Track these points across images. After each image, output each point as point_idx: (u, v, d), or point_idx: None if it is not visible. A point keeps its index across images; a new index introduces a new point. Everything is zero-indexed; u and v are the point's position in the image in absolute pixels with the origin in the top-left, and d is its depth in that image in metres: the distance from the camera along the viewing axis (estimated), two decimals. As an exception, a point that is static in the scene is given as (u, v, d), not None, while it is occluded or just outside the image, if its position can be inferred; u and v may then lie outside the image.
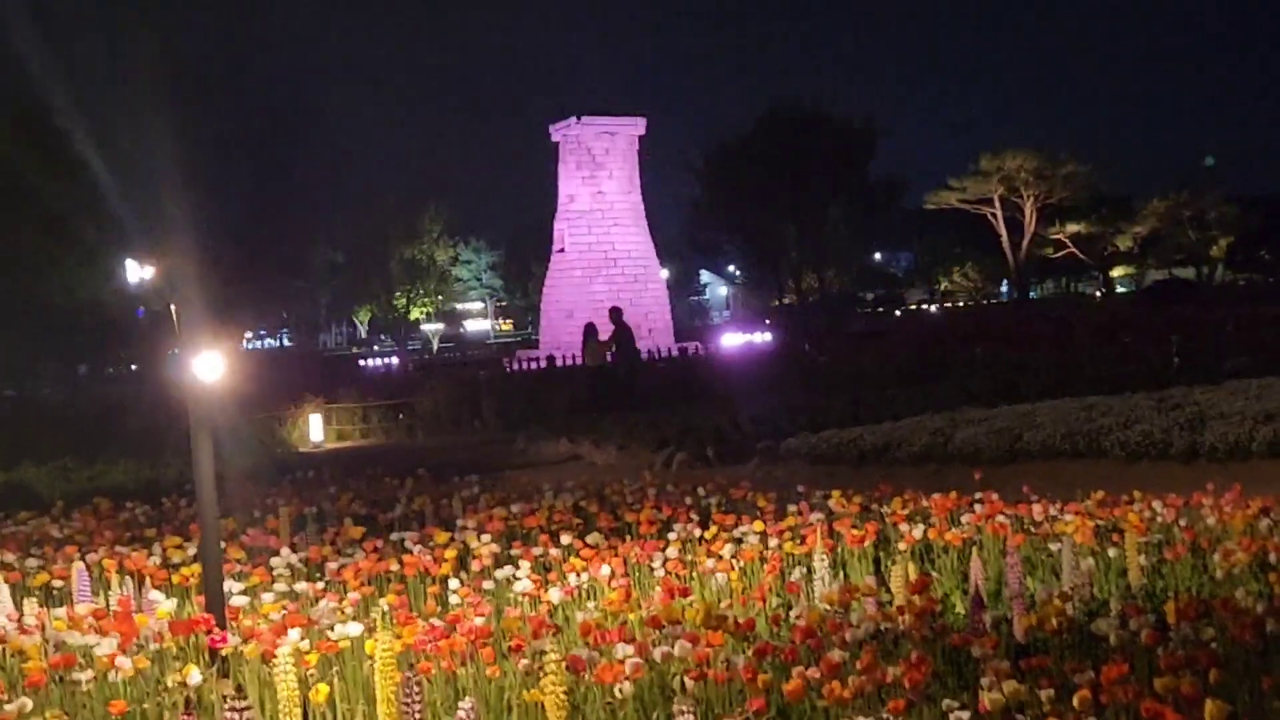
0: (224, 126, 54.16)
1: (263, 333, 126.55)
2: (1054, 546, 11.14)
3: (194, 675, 7.81)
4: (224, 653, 8.10)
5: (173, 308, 10.05)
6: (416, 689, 6.28)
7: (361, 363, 69.26)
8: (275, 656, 7.07)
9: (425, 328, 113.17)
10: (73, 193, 32.82)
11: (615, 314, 36.02)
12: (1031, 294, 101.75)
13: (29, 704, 7.39)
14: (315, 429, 32.49)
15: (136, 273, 11.79)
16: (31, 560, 12.49)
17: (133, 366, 53.57)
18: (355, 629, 8.44)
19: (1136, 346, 33.66)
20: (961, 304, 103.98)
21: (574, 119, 49.62)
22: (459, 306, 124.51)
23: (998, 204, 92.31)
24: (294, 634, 8.30)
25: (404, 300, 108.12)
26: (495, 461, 24.04)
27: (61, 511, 16.86)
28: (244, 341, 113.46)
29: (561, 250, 49.86)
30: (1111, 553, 10.73)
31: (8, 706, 7.38)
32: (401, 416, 34.56)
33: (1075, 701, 6.28)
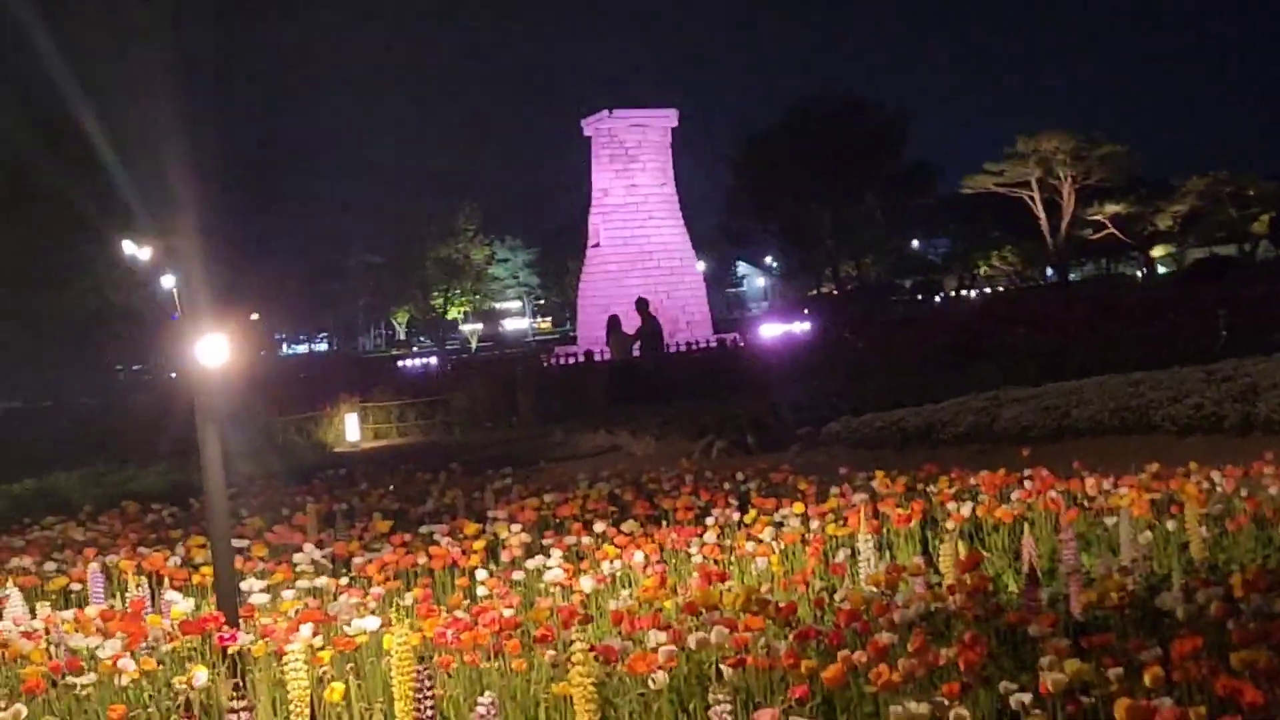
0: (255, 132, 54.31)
1: (301, 337, 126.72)
2: (1109, 521, 10.67)
3: (199, 676, 7.41)
4: (231, 651, 7.68)
5: (174, 290, 9.74)
6: (429, 682, 5.85)
7: (400, 364, 68.83)
8: (285, 654, 6.66)
9: (463, 328, 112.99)
10: (101, 194, 32.61)
11: (641, 305, 35.53)
12: (1072, 276, 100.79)
13: (24, 711, 7.00)
14: (351, 428, 32.10)
15: (133, 251, 11.52)
16: (50, 564, 12.15)
17: (172, 375, 53.40)
18: (372, 623, 8.02)
19: (1182, 323, 33.00)
20: (1001, 289, 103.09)
21: (606, 112, 49.07)
22: (497, 306, 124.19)
23: (1035, 186, 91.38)
24: (306, 630, 7.88)
25: (441, 300, 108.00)
26: (532, 455, 23.62)
27: (89, 515, 16.53)
28: (281, 346, 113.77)
29: (596, 245, 49.36)
30: (1169, 525, 10.25)
31: (1, 715, 6.97)
32: (438, 414, 34.13)
33: (1147, 679, 5.81)
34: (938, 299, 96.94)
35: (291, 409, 32.30)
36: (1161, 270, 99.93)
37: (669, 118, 49.73)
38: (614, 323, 36.35)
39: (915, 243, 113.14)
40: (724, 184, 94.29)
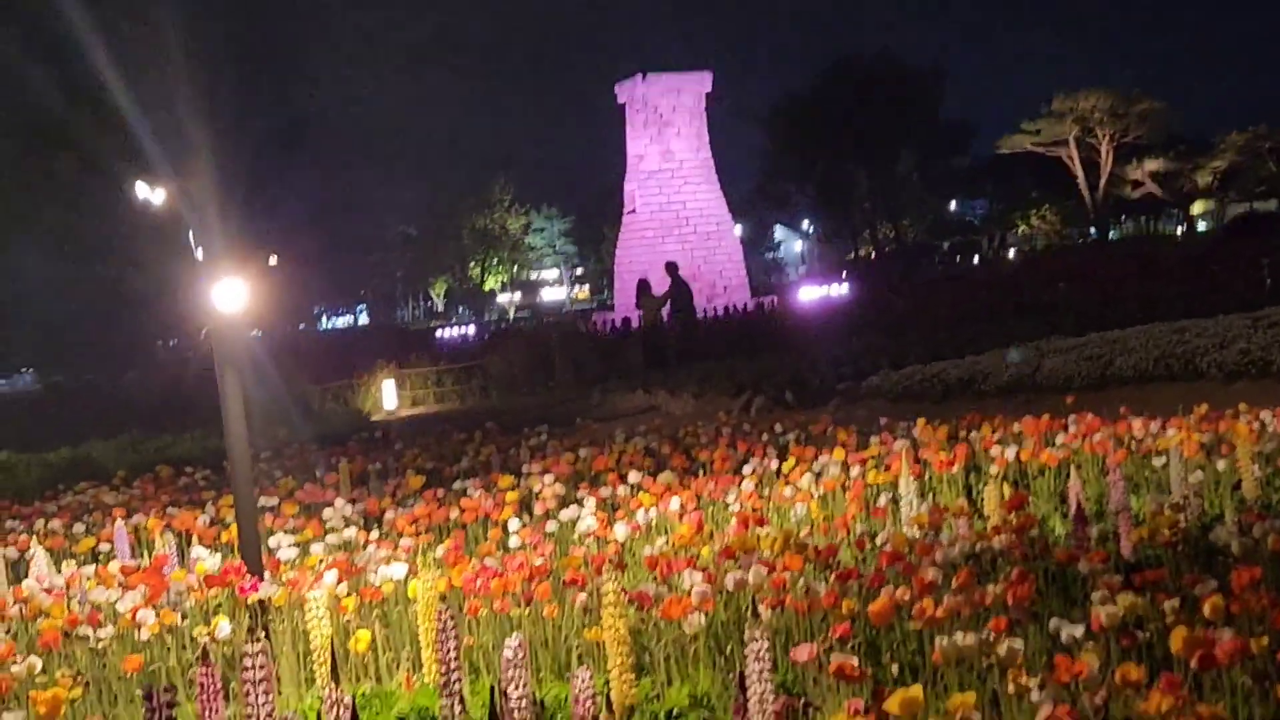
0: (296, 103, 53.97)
1: (341, 309, 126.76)
2: (1157, 463, 10.39)
3: (223, 627, 7.21)
4: (252, 600, 7.47)
5: (190, 234, 9.52)
6: (451, 622, 5.63)
7: (437, 334, 68.66)
8: (308, 601, 6.44)
9: (501, 298, 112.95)
10: (121, 144, 32.33)
11: (671, 268, 35.22)
12: (1111, 235, 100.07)
13: (38, 664, 6.81)
14: (389, 395, 31.91)
15: (145, 193, 11.26)
16: (79, 526, 11.98)
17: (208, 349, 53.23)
18: (399, 570, 7.80)
19: (1224, 275, 32.60)
20: (1040, 247, 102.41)
21: (639, 77, 48.71)
22: (534, 275, 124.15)
23: (1073, 145, 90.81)
24: (330, 578, 7.66)
25: (478, 270, 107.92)
26: (568, 416, 23.36)
27: (123, 480, 16.37)
28: (321, 319, 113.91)
29: (633, 211, 49.06)
30: (1220, 465, 9.97)
31: (15, 668, 6.78)
32: (475, 380, 33.92)
33: (1206, 609, 5.54)
34: (976, 259, 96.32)
35: (329, 378, 32.16)
36: (1201, 227, 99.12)
37: (703, 81, 49.32)
38: (643, 286, 36.02)
39: (953, 205, 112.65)
40: (760, 148, 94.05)
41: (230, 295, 7.68)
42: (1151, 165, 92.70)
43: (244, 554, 7.89)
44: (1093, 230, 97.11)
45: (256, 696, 5.17)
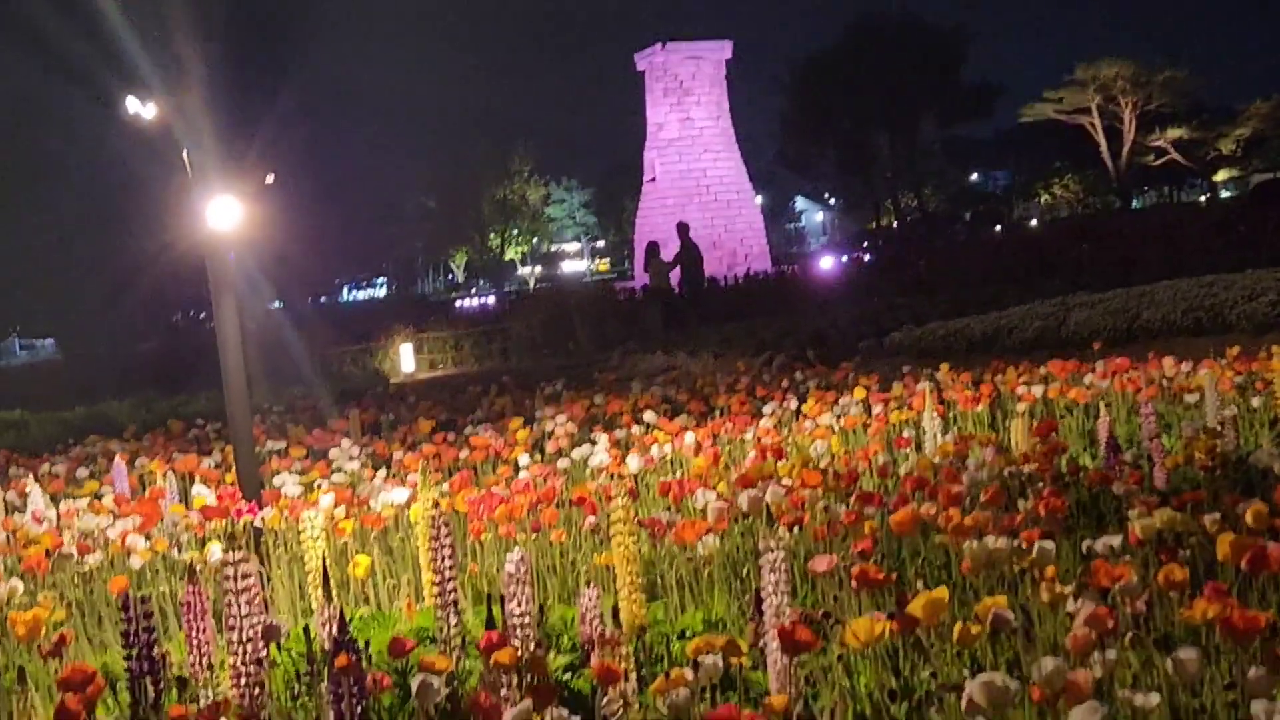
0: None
1: (361, 282, 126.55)
2: (1190, 399, 10.06)
3: (214, 551, 6.92)
4: (245, 522, 7.18)
5: (184, 152, 9.19)
6: (446, 529, 5.32)
7: (457, 304, 68.47)
8: (302, 521, 6.14)
9: (522, 270, 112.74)
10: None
11: (682, 229, 34.86)
12: (1134, 204, 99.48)
13: (19, 587, 6.53)
14: (406, 358, 31.60)
15: (136, 107, 10.87)
16: (82, 471, 11.72)
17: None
18: (400, 495, 7.50)
19: (1251, 234, 32.17)
20: (1064, 215, 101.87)
21: (659, 45, 48.52)
22: (555, 248, 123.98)
23: (1095, 113, 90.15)
24: (327, 500, 7.37)
25: (498, 241, 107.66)
26: (588, 375, 23.13)
27: (133, 434, 16.15)
28: (341, 291, 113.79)
29: (653, 180, 48.84)
30: (1256, 402, 9.63)
31: (-3, 592, 6.50)
32: (494, 343, 33.64)
33: (1249, 517, 5.21)
34: (998, 228, 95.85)
35: (347, 344, 31.96)
36: (1225, 195, 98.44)
37: (723, 49, 49.10)
38: (652, 249, 35.74)
39: (974, 176, 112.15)
40: (781, 115, 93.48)
41: (224, 212, 7.39)
42: (1174, 133, 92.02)
43: (241, 480, 7.61)
44: (1114, 200, 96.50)
45: (239, 608, 4.88)
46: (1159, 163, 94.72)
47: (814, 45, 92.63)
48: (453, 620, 5.29)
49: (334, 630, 4.72)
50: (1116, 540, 5.24)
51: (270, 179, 8.79)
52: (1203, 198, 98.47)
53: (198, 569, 5.67)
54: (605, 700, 4.51)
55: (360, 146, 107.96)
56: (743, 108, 50.70)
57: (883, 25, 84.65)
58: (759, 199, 55.45)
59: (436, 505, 5.41)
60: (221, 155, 7.41)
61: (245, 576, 4.89)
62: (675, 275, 33.99)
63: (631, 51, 49.93)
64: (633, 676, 4.75)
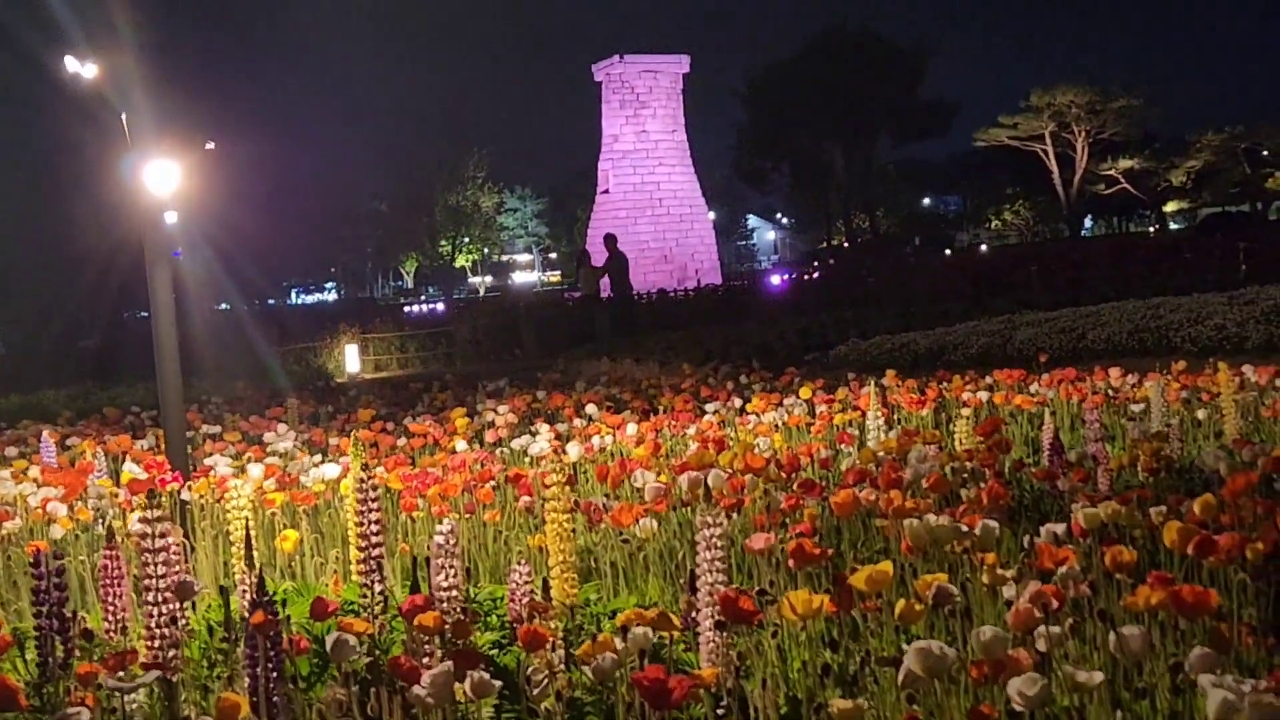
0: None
1: (310, 286, 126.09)
2: (1135, 409, 9.99)
3: (135, 521, 6.75)
4: (170, 489, 6.99)
5: (122, 116, 8.98)
6: (374, 493, 5.17)
7: (406, 309, 68.26)
8: (228, 489, 5.97)
9: (473, 280, 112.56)
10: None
11: (610, 241, 34.69)
12: (1084, 232, 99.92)
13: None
14: (351, 359, 31.35)
15: (75, 67, 10.62)
16: (12, 449, 11.51)
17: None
18: (331, 470, 7.35)
19: (1199, 261, 32.31)
20: (1013, 241, 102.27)
21: (616, 58, 48.68)
22: (506, 258, 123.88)
23: (1049, 140, 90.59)
24: (256, 471, 7.21)
25: (449, 246, 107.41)
26: (532, 379, 23.01)
27: (68, 420, 15.95)
28: (289, 294, 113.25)
29: (606, 191, 48.88)
30: (1200, 414, 9.56)
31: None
32: (440, 346, 33.46)
33: (1197, 509, 5.11)
34: (948, 252, 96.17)
35: (293, 344, 31.71)
36: (1174, 226, 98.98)
37: (680, 64, 49.28)
38: (583, 257, 35.70)
39: (926, 200, 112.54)
40: (735, 129, 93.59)
41: (161, 176, 7.22)
42: (1126, 163, 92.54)
43: (169, 452, 7.44)
44: (1063, 228, 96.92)
45: (155, 568, 4.72)
46: (1109, 191, 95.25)
47: (772, 60, 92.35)
48: (377, 587, 5.14)
49: (253, 595, 4.56)
50: (1060, 528, 5.13)
51: (210, 145, 8.62)
52: (1151, 229, 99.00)
53: (118, 538, 5.52)
54: (530, 670, 4.37)
55: (312, 146, 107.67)
56: (698, 125, 50.80)
57: (842, 39, 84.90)
58: (712, 215, 55.53)
59: (366, 468, 5.24)
60: (160, 120, 7.24)
61: (163, 535, 4.73)
62: (605, 283, 33.82)
63: (590, 62, 50.04)
64: (560, 648, 4.61)
